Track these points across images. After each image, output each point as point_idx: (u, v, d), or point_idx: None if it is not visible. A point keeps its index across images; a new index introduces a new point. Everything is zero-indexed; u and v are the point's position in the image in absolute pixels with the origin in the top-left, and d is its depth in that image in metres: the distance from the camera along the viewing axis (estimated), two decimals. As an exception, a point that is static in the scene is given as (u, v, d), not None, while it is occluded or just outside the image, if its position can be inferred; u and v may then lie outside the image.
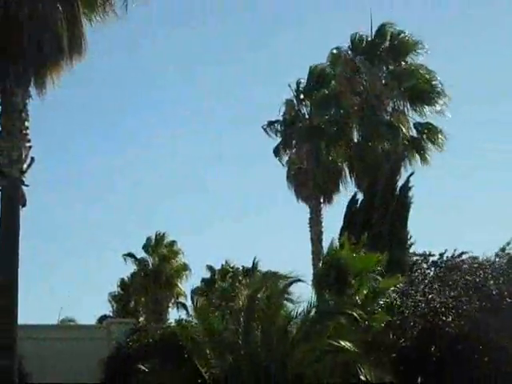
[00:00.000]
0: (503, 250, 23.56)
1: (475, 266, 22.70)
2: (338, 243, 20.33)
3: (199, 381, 18.00)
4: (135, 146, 60.73)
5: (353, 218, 26.84)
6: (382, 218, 26.30)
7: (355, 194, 28.73)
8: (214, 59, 58.48)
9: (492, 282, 21.45)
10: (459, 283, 21.81)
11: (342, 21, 47.69)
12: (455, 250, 24.51)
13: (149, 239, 49.17)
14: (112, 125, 60.05)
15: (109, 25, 22.33)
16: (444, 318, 20.80)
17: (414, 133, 32.76)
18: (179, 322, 20.75)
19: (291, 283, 18.53)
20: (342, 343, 16.72)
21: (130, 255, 49.11)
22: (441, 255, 24.84)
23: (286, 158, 35.48)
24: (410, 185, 26.36)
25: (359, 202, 28.27)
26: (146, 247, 49.36)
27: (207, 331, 17.88)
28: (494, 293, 21.06)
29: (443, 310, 21.00)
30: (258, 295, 18.13)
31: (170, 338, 20.38)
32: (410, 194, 26.24)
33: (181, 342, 18.62)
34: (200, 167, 60.04)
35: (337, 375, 17.42)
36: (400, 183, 27.61)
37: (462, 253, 24.30)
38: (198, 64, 59.92)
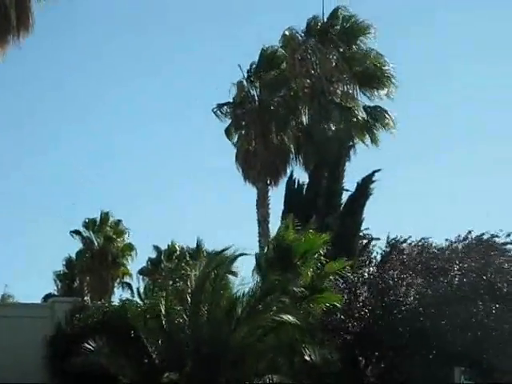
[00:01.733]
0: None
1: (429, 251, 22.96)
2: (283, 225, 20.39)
3: (146, 360, 17.90)
4: (78, 123, 60.32)
5: (293, 200, 27.07)
6: (328, 200, 26.57)
7: (291, 174, 29.06)
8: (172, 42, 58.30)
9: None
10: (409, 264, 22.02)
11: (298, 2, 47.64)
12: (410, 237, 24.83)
13: (91, 218, 48.80)
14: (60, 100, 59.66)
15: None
16: (393, 298, 20.93)
17: (364, 115, 32.92)
18: (125, 301, 20.61)
19: (235, 258, 18.47)
20: (285, 317, 16.74)
21: (77, 232, 48.70)
22: (387, 242, 25.11)
23: (235, 139, 35.42)
24: (374, 178, 26.92)
25: (305, 184, 28.50)
26: (87, 225, 48.96)
27: (155, 312, 17.79)
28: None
29: (393, 290, 21.13)
30: (205, 276, 18.07)
31: (116, 318, 20.20)
32: (372, 186, 26.86)
33: (128, 322, 18.48)
34: (151, 146, 59.96)
35: (281, 355, 17.45)
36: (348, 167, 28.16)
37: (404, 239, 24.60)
38: (148, 44, 59.62)
